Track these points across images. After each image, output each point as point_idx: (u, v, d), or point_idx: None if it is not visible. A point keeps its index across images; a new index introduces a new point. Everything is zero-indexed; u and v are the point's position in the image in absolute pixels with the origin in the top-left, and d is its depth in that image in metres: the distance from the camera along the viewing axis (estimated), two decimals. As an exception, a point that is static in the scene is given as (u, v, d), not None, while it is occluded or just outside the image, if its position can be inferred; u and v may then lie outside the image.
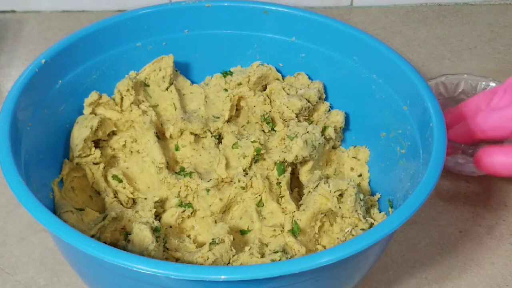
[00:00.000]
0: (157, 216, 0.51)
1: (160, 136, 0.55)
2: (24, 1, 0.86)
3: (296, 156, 0.51)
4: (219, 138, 0.56)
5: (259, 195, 0.51)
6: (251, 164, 0.52)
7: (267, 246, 0.48)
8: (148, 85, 0.57)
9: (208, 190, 0.51)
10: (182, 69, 0.60)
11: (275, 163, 0.52)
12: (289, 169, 0.53)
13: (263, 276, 0.35)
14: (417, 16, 0.86)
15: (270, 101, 0.57)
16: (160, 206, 0.51)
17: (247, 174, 0.51)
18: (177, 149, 0.55)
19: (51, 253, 0.56)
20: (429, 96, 0.48)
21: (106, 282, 0.42)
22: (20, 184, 0.40)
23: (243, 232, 0.50)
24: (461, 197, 0.62)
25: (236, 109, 0.58)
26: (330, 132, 0.56)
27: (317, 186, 0.49)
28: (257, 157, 0.52)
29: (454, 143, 0.56)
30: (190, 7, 0.58)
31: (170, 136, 0.55)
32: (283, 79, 0.60)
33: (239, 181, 0.51)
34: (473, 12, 0.87)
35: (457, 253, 0.57)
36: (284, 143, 0.53)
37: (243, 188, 0.50)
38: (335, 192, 0.48)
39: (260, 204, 0.51)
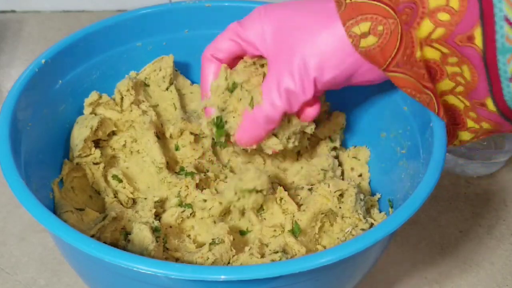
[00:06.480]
0: (157, 216, 0.51)
1: (160, 136, 0.55)
2: (24, 1, 0.86)
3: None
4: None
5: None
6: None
7: (267, 246, 0.48)
8: (148, 85, 0.57)
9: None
10: (182, 69, 0.60)
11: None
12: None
13: (263, 276, 0.35)
14: (417, 16, 0.86)
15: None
16: (160, 206, 0.51)
17: None
18: (177, 149, 0.55)
19: (51, 253, 0.56)
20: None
21: (106, 282, 0.42)
22: (20, 184, 0.40)
23: (242, 233, 0.50)
24: (461, 197, 0.62)
25: (236, 109, 0.58)
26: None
27: (318, 184, 0.50)
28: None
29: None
30: (190, 7, 0.58)
31: (170, 136, 0.55)
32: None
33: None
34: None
35: (457, 253, 0.57)
36: None
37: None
38: (335, 192, 0.48)
39: (260, 210, 0.51)
